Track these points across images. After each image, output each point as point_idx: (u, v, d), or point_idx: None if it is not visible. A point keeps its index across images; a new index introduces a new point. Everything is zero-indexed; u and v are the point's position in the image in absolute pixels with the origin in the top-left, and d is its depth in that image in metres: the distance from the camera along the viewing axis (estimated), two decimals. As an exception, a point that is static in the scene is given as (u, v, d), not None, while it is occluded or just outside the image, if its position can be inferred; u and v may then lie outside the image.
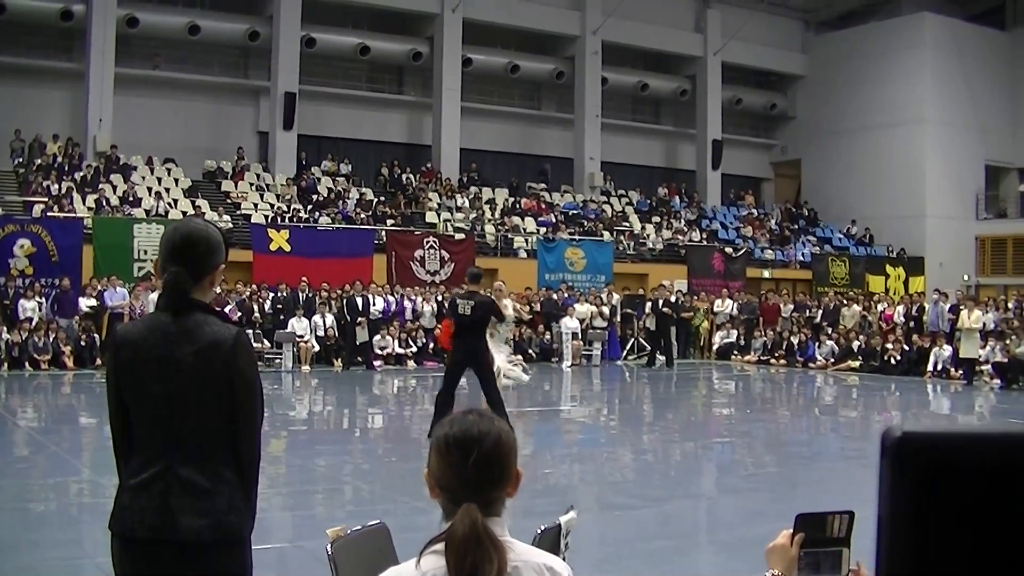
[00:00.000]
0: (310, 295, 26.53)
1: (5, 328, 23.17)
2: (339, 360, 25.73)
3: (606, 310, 29.40)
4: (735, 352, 30.41)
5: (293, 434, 15.69)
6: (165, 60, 34.35)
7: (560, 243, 32.80)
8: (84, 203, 28.39)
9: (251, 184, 33.24)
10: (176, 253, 3.63)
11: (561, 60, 40.35)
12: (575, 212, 37.21)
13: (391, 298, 27.15)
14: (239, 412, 3.56)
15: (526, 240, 33.84)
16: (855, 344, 28.25)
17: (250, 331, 23.21)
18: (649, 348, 29.12)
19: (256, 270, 27.38)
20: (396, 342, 26.49)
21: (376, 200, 33.96)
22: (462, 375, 14.13)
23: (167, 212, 28.79)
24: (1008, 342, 24.73)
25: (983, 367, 24.98)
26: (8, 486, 10.66)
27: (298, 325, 25.44)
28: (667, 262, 35.23)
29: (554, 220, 35.59)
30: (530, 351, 28.13)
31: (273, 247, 27.97)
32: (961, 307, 26.10)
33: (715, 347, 30.89)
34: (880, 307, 30.79)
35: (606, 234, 35.61)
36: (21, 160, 30.45)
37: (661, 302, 28.69)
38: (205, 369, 3.52)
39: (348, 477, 12.20)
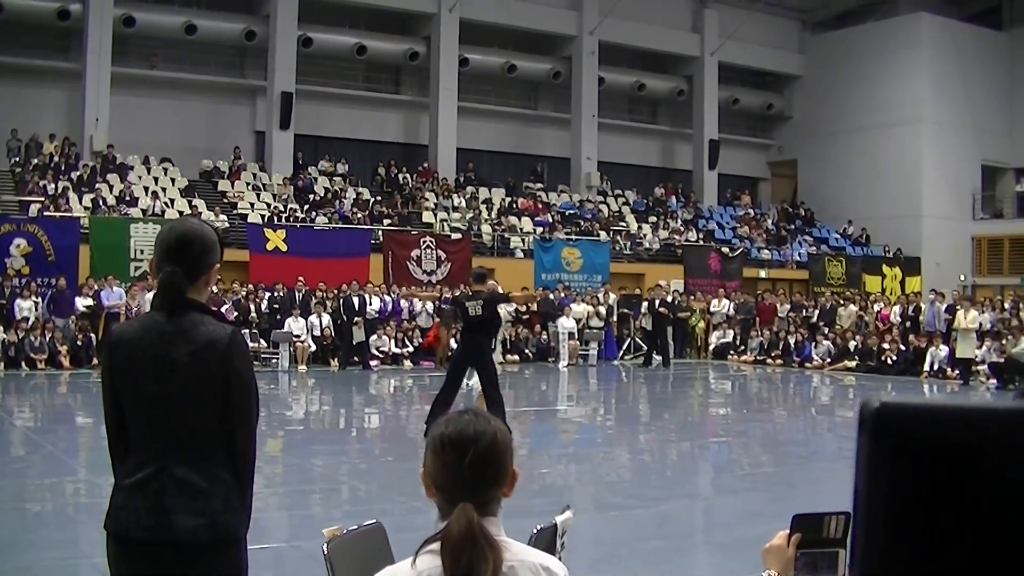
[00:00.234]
0: (306, 295, 26.51)
1: (1, 328, 23.14)
2: (336, 360, 25.73)
3: (603, 310, 29.41)
4: (731, 352, 30.43)
5: (290, 434, 15.68)
6: (162, 60, 34.32)
7: (557, 243, 32.79)
8: (80, 203, 28.36)
9: (248, 184, 33.22)
10: (171, 253, 3.62)
11: (558, 60, 40.34)
12: (572, 212, 37.20)
13: (387, 298, 27.13)
14: (234, 412, 3.56)
15: (523, 240, 33.84)
16: (851, 344, 28.26)
17: (247, 331, 23.24)
18: (645, 348, 29.12)
19: (253, 270, 27.36)
20: (392, 342, 26.48)
21: (373, 200, 33.95)
22: (464, 375, 14.12)
23: (164, 212, 28.77)
24: (1004, 342, 24.76)
25: (979, 367, 25.01)
26: (5, 486, 10.65)
27: (295, 325, 25.43)
28: (664, 262, 35.24)
29: (551, 220, 35.58)
30: (527, 351, 28.17)
31: (270, 247, 27.96)
32: (957, 307, 26.13)
33: (711, 347, 30.91)
34: (876, 307, 30.82)
35: (603, 234, 35.60)
36: (18, 159, 30.42)
37: (658, 302, 28.70)
38: (200, 369, 3.52)
39: (345, 477, 12.19)
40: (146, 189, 30.20)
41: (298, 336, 25.37)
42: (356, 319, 25.61)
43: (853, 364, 27.65)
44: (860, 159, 41.59)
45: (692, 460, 14.55)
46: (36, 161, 30.00)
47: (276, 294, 26.31)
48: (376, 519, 4.14)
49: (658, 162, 44.11)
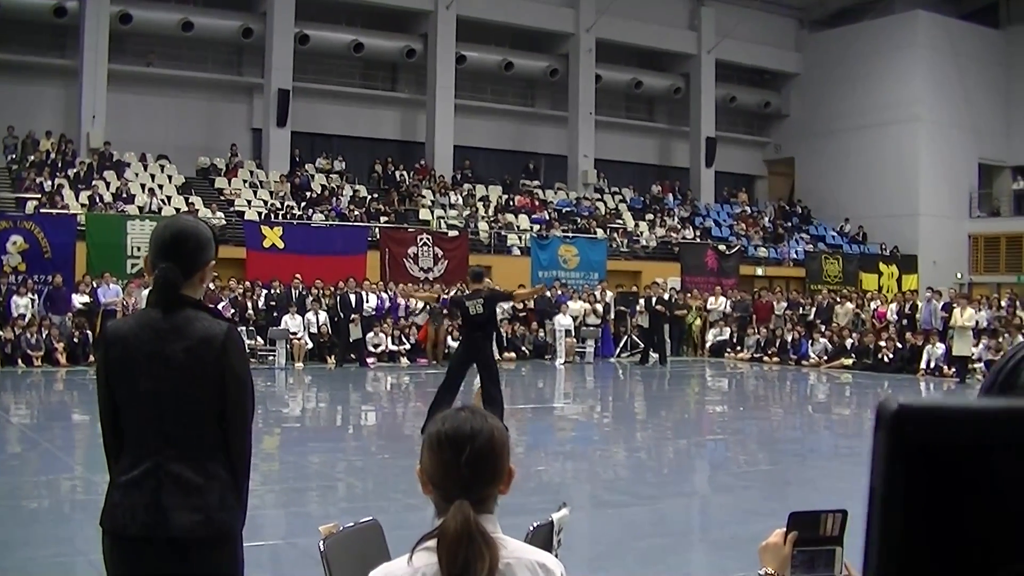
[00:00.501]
0: (302, 292, 26.49)
1: (-2, 325, 23.17)
2: (332, 357, 25.71)
3: (599, 307, 29.42)
4: (728, 350, 30.44)
5: (286, 431, 15.69)
6: (158, 57, 34.29)
7: (554, 240, 32.80)
8: (77, 200, 28.34)
9: (244, 181, 33.21)
10: (166, 250, 3.62)
11: (555, 57, 40.33)
12: (569, 209, 37.21)
13: (384, 295, 27.12)
14: (230, 408, 3.55)
15: (519, 237, 33.84)
16: (848, 342, 28.28)
17: (243, 328, 23.24)
18: (642, 346, 29.14)
19: (249, 267, 27.35)
20: (389, 339, 26.47)
21: (369, 197, 33.93)
22: (465, 374, 14.13)
23: (160, 209, 28.75)
24: (1001, 340, 24.78)
25: (976, 365, 25.03)
26: (0, 483, 10.64)
27: (291, 322, 25.41)
28: (660, 260, 35.25)
29: (548, 217, 35.59)
30: (524, 348, 28.17)
31: (266, 244, 27.95)
32: (954, 305, 26.14)
33: (708, 345, 30.92)
34: (873, 305, 30.84)
35: (600, 231, 35.62)
36: (14, 156, 30.40)
37: (654, 299, 28.73)
38: (196, 365, 3.52)
39: (341, 474, 12.19)
40: (143, 186, 30.19)
41: (295, 333, 25.36)
42: (353, 316, 25.60)
43: (849, 362, 27.68)
44: (857, 157, 41.60)
45: (688, 458, 14.55)
46: (33, 158, 29.97)
47: (273, 291, 26.29)
48: (372, 516, 4.14)
49: (655, 160, 44.12)
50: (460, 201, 35.09)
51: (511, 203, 36.22)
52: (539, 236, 33.13)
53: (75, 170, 29.86)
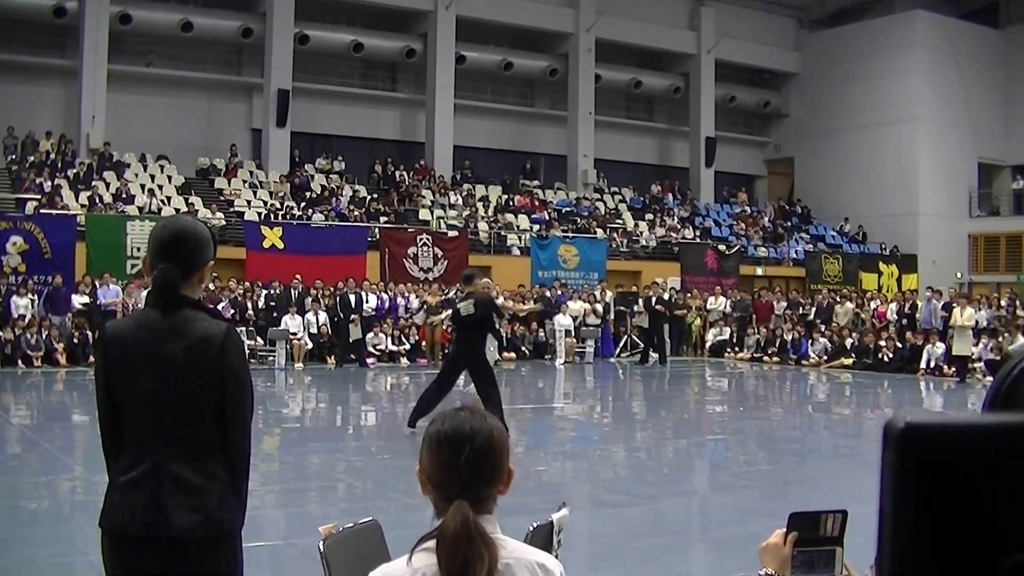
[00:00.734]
0: (302, 292, 26.48)
1: (-2, 325, 23.18)
2: (332, 357, 25.71)
3: (599, 307, 29.42)
4: (728, 350, 30.44)
5: (286, 431, 15.69)
6: (158, 57, 34.30)
7: (553, 240, 32.81)
8: (77, 200, 28.34)
9: (244, 181, 33.22)
10: (165, 250, 3.62)
11: (554, 57, 40.34)
12: (568, 209, 37.22)
13: (384, 295, 27.13)
14: (229, 408, 3.55)
15: (519, 237, 33.84)
16: (848, 342, 28.28)
17: (243, 328, 23.25)
18: (642, 345, 29.14)
19: (249, 267, 27.36)
20: (389, 339, 26.47)
21: (369, 197, 33.93)
22: (459, 375, 14.16)
23: (160, 209, 28.75)
24: (1001, 339, 24.80)
25: (976, 364, 25.03)
26: (0, 483, 10.64)
27: (291, 322, 25.41)
28: (660, 259, 35.26)
29: (547, 217, 35.60)
30: (523, 348, 28.17)
31: (266, 244, 27.95)
32: (954, 305, 26.14)
33: (708, 344, 30.93)
34: (873, 304, 30.84)
35: (599, 231, 35.63)
36: (14, 157, 30.41)
37: (654, 299, 28.73)
38: (195, 365, 3.51)
39: (341, 474, 12.18)
40: (142, 187, 30.20)
41: (295, 334, 25.36)
42: (352, 317, 25.60)
43: (849, 362, 27.68)
44: (857, 157, 41.61)
45: (688, 458, 14.55)
46: (32, 158, 29.98)
47: (272, 292, 26.29)
48: (372, 517, 4.14)
49: (655, 160, 44.13)
50: (460, 201, 35.10)
51: (511, 203, 36.23)
52: (539, 236, 33.14)
53: (75, 170, 29.87)
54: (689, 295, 31.84)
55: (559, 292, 29.72)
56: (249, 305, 25.72)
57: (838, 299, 31.38)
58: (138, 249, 25.58)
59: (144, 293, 3.73)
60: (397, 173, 36.22)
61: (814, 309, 30.93)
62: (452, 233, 31.77)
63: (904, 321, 28.91)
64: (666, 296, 29.33)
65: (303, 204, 32.14)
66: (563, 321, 28.19)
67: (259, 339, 25.09)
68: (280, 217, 30.49)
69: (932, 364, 25.94)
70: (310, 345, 25.77)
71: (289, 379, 23.40)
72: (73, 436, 14.98)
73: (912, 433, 1.00)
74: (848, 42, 42.25)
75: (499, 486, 2.43)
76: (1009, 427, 1.03)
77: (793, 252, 38.98)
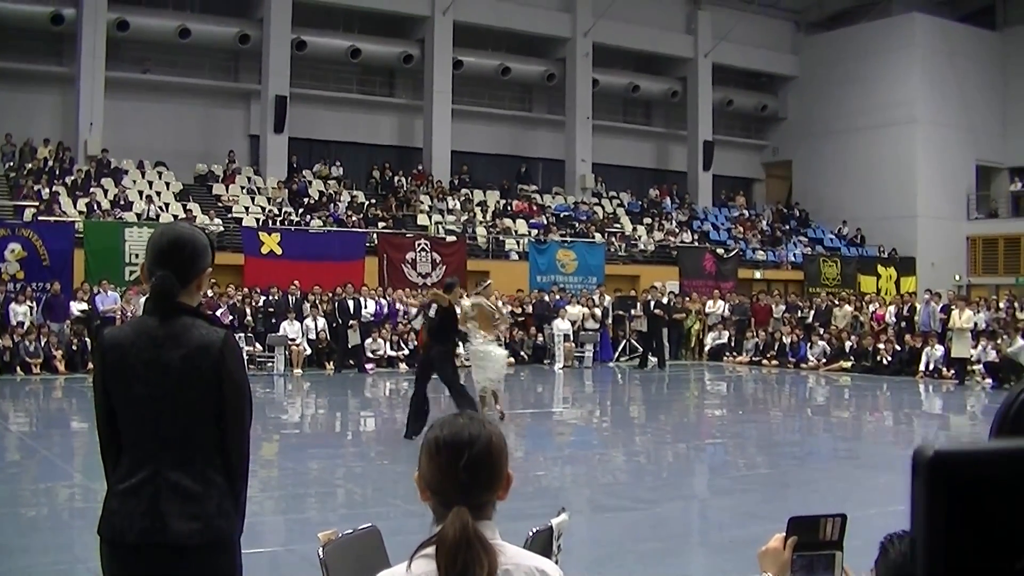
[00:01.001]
0: (299, 298, 26.46)
1: (-4, 332, 23.16)
2: (331, 363, 25.69)
3: (598, 312, 29.40)
4: (727, 353, 30.44)
5: (285, 437, 15.67)
6: (155, 64, 34.30)
7: (552, 245, 32.81)
8: (75, 207, 28.34)
9: (242, 187, 33.22)
10: (163, 257, 3.62)
11: (552, 62, 40.36)
12: (566, 214, 37.23)
13: (383, 301, 27.11)
14: (227, 415, 3.55)
15: (517, 242, 33.85)
16: (847, 344, 28.29)
17: (242, 334, 23.25)
18: (641, 350, 29.12)
19: (247, 273, 27.34)
20: (388, 345, 26.45)
21: (367, 203, 33.92)
22: (432, 375, 14.44)
23: (158, 216, 28.75)
24: (999, 342, 24.79)
25: (975, 367, 25.03)
26: (-1, 491, 10.64)
27: (290, 328, 25.39)
28: (658, 263, 35.25)
29: (545, 222, 35.61)
30: (522, 353, 28.15)
31: (264, 250, 27.93)
32: (952, 307, 26.14)
33: (707, 348, 30.93)
34: (872, 307, 30.83)
35: (597, 236, 35.63)
36: (12, 164, 30.41)
37: (653, 303, 28.71)
38: (193, 372, 3.51)
39: (340, 480, 12.18)
40: (140, 193, 30.21)
41: (293, 339, 25.34)
42: (351, 322, 25.60)
43: (848, 364, 27.68)
44: (855, 159, 41.65)
45: (687, 461, 14.55)
46: (30, 165, 30.00)
47: (271, 298, 26.29)
48: (372, 523, 4.14)
49: (652, 164, 44.14)
50: (458, 206, 35.10)
51: (509, 208, 36.23)
52: (537, 241, 33.14)
53: (73, 177, 29.87)
54: (688, 299, 31.84)
55: (557, 296, 29.72)
56: (248, 311, 25.71)
57: (837, 302, 31.39)
58: (136, 256, 25.57)
59: (142, 300, 3.72)
60: (395, 178, 36.24)
61: (813, 312, 30.94)
62: (450, 238, 31.77)
63: (903, 324, 28.92)
64: (665, 300, 29.31)
65: (301, 210, 32.14)
66: (562, 325, 28.18)
67: (258, 345, 25.10)
68: (278, 223, 30.48)
69: (931, 366, 25.95)
70: (309, 351, 25.75)
71: (288, 385, 23.39)
72: (72, 443, 14.97)
73: (941, 461, 1.02)
74: (845, 45, 42.29)
75: (498, 492, 2.43)
76: None
77: (791, 255, 38.99)
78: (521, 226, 35.13)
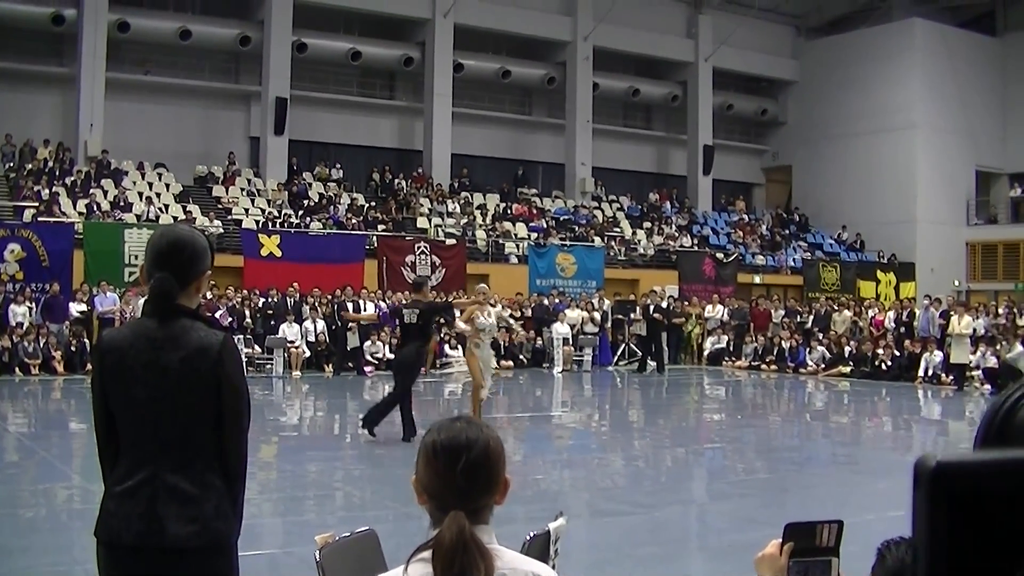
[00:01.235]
0: (298, 301, 26.45)
1: (-5, 333, 23.16)
2: (330, 365, 25.68)
3: (597, 316, 29.41)
4: (726, 358, 30.44)
5: (284, 440, 15.67)
6: (156, 65, 34.30)
7: (551, 249, 32.81)
8: (75, 208, 28.34)
9: (242, 189, 33.22)
10: (162, 259, 3.62)
11: (552, 65, 40.36)
12: (566, 218, 37.23)
13: (382, 303, 27.10)
14: (226, 418, 3.55)
15: (517, 245, 33.85)
16: (846, 350, 28.29)
17: (241, 336, 23.26)
18: (640, 354, 29.12)
19: (247, 275, 27.34)
20: (387, 347, 26.42)
21: (367, 205, 33.93)
22: (416, 376, 14.90)
23: (158, 217, 28.74)
24: (999, 347, 24.80)
25: (974, 372, 25.03)
26: (-3, 492, 10.64)
27: (289, 331, 25.38)
28: (658, 268, 35.24)
29: (545, 226, 35.60)
30: (521, 356, 28.15)
31: (264, 252, 27.94)
32: (952, 312, 26.17)
33: (706, 353, 30.93)
34: (871, 313, 30.86)
35: (597, 240, 35.64)
36: (11, 164, 30.40)
37: (652, 308, 28.71)
38: (191, 375, 3.51)
39: (339, 483, 12.18)
40: (140, 194, 30.21)
41: (292, 342, 25.34)
42: (350, 325, 25.58)
43: (847, 370, 27.68)
44: (854, 164, 41.65)
45: (686, 466, 14.54)
46: (30, 166, 29.99)
47: (270, 300, 26.29)
48: (371, 526, 4.14)
49: (652, 168, 44.15)
50: (458, 209, 35.10)
51: (509, 211, 36.24)
52: (537, 244, 33.15)
53: (72, 178, 29.87)
54: (687, 303, 31.84)
55: (557, 300, 29.73)
56: (247, 313, 25.71)
57: (836, 307, 31.43)
58: (136, 257, 25.57)
59: (141, 301, 3.71)
60: (395, 181, 36.24)
61: (812, 317, 30.96)
62: (450, 241, 31.76)
63: (902, 329, 28.94)
64: (664, 304, 29.30)
65: (301, 212, 32.14)
66: (561, 329, 28.17)
67: (257, 347, 25.09)
68: (278, 225, 30.47)
69: (930, 372, 25.95)
70: (308, 353, 25.75)
71: (287, 387, 23.38)
72: (71, 444, 14.97)
73: (943, 472, 1.02)
74: (845, 50, 42.30)
75: (495, 496, 2.42)
76: None
77: (791, 260, 38.98)
78: (521, 229, 35.14)
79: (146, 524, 3.45)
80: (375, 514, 9.62)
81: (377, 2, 36.16)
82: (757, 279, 37.14)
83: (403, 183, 36.26)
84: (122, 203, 29.09)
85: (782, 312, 31.53)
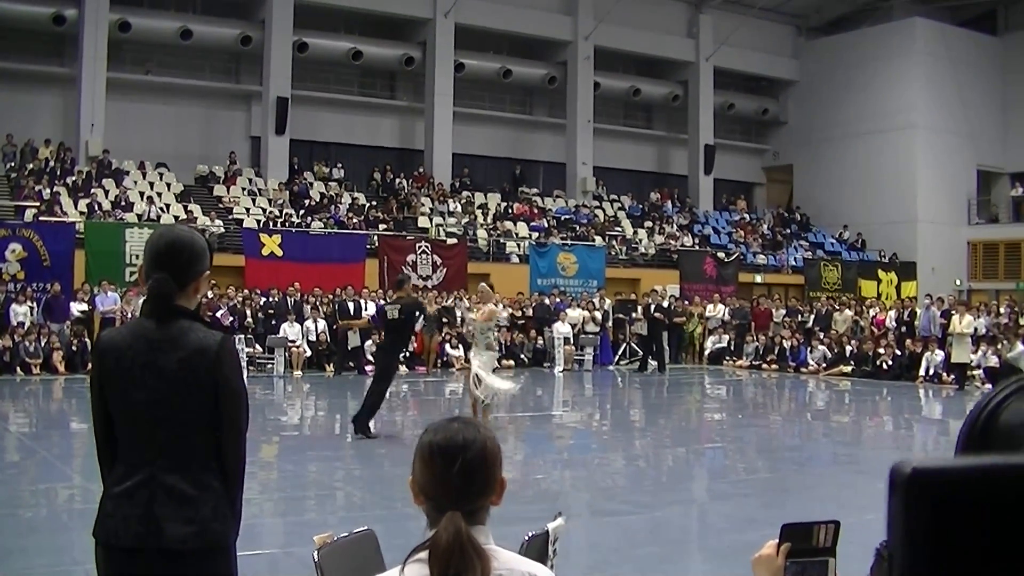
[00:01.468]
0: (298, 300, 26.45)
1: (-4, 333, 23.17)
2: (331, 365, 25.68)
3: (598, 315, 29.40)
4: (727, 357, 30.43)
5: (285, 439, 15.66)
6: (157, 65, 34.31)
7: (552, 248, 32.81)
8: (76, 208, 28.35)
9: (243, 189, 33.23)
10: (160, 260, 3.62)
11: (553, 65, 40.36)
12: (567, 217, 37.23)
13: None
14: (224, 419, 3.55)
15: (518, 245, 33.85)
16: (847, 349, 28.28)
17: (242, 336, 23.26)
18: (641, 353, 29.11)
19: (248, 275, 27.35)
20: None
21: (368, 205, 33.94)
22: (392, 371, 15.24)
23: (159, 217, 28.76)
24: (1000, 347, 24.78)
25: (975, 372, 25.02)
26: (-2, 492, 10.63)
27: (290, 330, 25.39)
28: (659, 267, 35.25)
29: (546, 225, 35.61)
30: (522, 356, 28.15)
31: (265, 252, 27.95)
32: (953, 312, 26.15)
33: (707, 352, 30.92)
34: (872, 312, 30.85)
35: (598, 239, 35.64)
36: (13, 164, 30.41)
37: (653, 307, 28.70)
38: (189, 376, 3.51)
39: (340, 483, 12.18)
40: (141, 194, 30.22)
41: (293, 341, 25.34)
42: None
43: (848, 369, 27.66)
44: (855, 164, 41.65)
45: (687, 466, 14.53)
46: (31, 166, 30.01)
47: (271, 299, 26.29)
48: (372, 525, 4.14)
49: (653, 167, 44.14)
50: (459, 209, 35.11)
51: (510, 211, 36.24)
52: (538, 244, 33.15)
53: (74, 178, 29.89)
54: (688, 303, 31.83)
55: (558, 300, 29.73)
56: (248, 312, 25.71)
57: (837, 306, 31.41)
58: (137, 256, 25.55)
59: (142, 301, 3.71)
60: (396, 181, 36.25)
61: (813, 316, 30.95)
62: (451, 241, 31.77)
63: (903, 328, 28.93)
64: (665, 304, 29.30)
65: (302, 212, 32.15)
66: (562, 329, 28.17)
67: (258, 347, 25.09)
68: (279, 225, 30.47)
69: (931, 371, 25.94)
70: (309, 353, 25.76)
71: (288, 387, 23.39)
72: (72, 444, 14.96)
73: (920, 479, 1.01)
74: (846, 50, 42.30)
75: (492, 497, 2.42)
76: (1013, 468, 1.04)
77: (792, 259, 38.98)
78: (522, 229, 35.14)
79: (144, 525, 3.45)
80: (376, 514, 9.61)
81: (378, 2, 36.17)
82: (758, 278, 37.14)
83: (404, 183, 36.27)
84: (123, 203, 29.10)
85: (783, 311, 31.52)
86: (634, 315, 29.95)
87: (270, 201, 32.62)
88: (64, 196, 28.65)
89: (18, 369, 22.84)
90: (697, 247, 37.44)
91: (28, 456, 13.53)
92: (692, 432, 18.17)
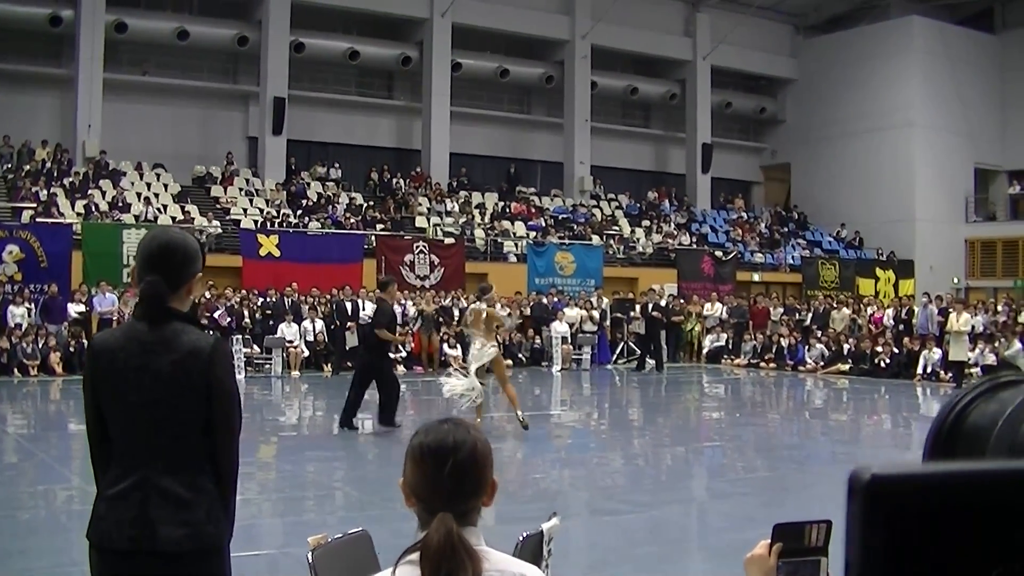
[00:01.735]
0: (295, 301, 26.43)
1: (-7, 334, 23.15)
2: (328, 365, 25.66)
3: (596, 314, 29.39)
4: (725, 356, 30.43)
5: (283, 440, 15.66)
6: (154, 65, 34.28)
7: (550, 247, 32.80)
8: (73, 209, 28.33)
9: (240, 189, 33.21)
10: (153, 262, 3.61)
11: (550, 64, 40.35)
12: (565, 216, 37.22)
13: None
14: (217, 421, 3.54)
15: (516, 244, 33.84)
16: (845, 347, 28.28)
17: (239, 336, 23.25)
18: (639, 352, 29.10)
19: (246, 275, 27.33)
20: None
21: (366, 205, 33.93)
22: (371, 375, 15.83)
23: (156, 218, 28.73)
24: (997, 345, 24.79)
25: (973, 370, 25.01)
26: (-5, 494, 10.63)
27: (288, 330, 25.37)
28: (657, 266, 35.23)
29: (544, 224, 35.60)
30: (520, 355, 28.14)
31: (263, 252, 27.92)
32: (950, 310, 26.14)
33: (705, 351, 30.92)
34: (870, 310, 30.86)
35: (596, 238, 35.62)
36: (10, 166, 30.39)
37: (651, 306, 28.70)
38: (183, 378, 3.50)
39: (338, 483, 12.17)
40: (139, 195, 30.20)
41: (291, 342, 25.32)
42: (349, 324, 25.57)
43: (846, 367, 27.67)
44: (853, 162, 41.65)
45: (685, 465, 14.53)
46: (28, 167, 29.99)
47: (269, 300, 26.28)
48: (369, 526, 4.14)
49: (651, 166, 44.14)
50: (456, 208, 35.10)
51: (507, 210, 36.24)
52: (535, 243, 33.14)
53: (71, 179, 29.86)
54: (686, 301, 31.82)
55: (556, 299, 29.72)
56: (245, 313, 25.70)
57: (835, 305, 31.42)
58: (134, 258, 25.36)
59: (134, 303, 3.71)
60: (393, 180, 36.24)
61: (811, 315, 30.95)
62: (449, 240, 31.76)
63: (901, 326, 28.95)
64: (663, 302, 29.30)
65: (299, 212, 32.13)
66: (559, 328, 28.18)
67: (255, 347, 25.07)
68: (276, 225, 30.45)
69: (928, 369, 25.95)
70: (306, 353, 25.73)
71: (285, 387, 23.38)
72: (69, 446, 14.93)
73: (878, 485, 0.99)
74: (844, 48, 42.30)
75: (483, 498, 2.42)
76: (984, 474, 1.03)
77: (790, 258, 38.99)
78: (519, 228, 35.14)
79: (138, 528, 3.44)
80: (374, 514, 9.61)
81: (375, 2, 36.15)
82: (756, 277, 37.14)
83: (401, 182, 36.27)
84: (120, 204, 29.09)
85: (781, 310, 31.53)
86: (632, 314, 29.96)
87: (267, 201, 32.61)
88: (61, 197, 28.63)
89: (15, 370, 22.81)
90: (695, 246, 37.44)
91: (26, 458, 13.52)
92: (690, 431, 18.17)
